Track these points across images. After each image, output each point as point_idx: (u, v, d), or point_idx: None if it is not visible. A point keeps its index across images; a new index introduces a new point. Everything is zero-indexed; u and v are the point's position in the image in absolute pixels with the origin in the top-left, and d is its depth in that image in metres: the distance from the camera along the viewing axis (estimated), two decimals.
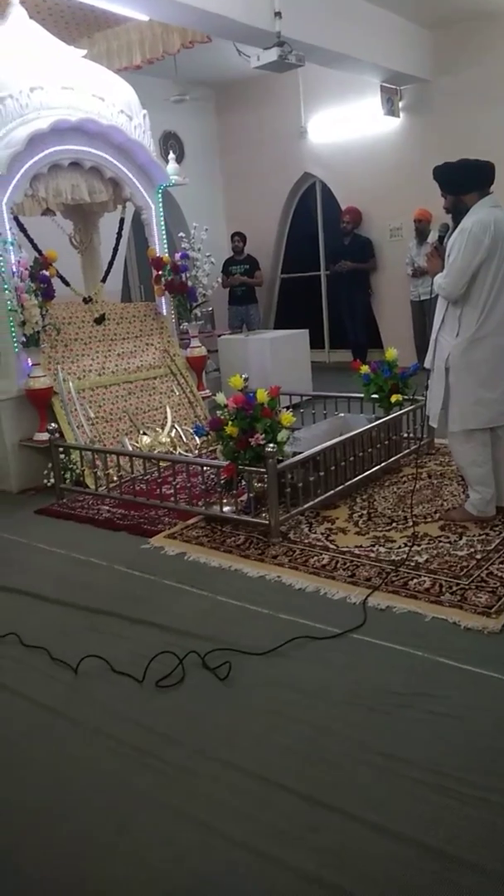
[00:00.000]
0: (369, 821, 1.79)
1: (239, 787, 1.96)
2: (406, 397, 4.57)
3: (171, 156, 5.84)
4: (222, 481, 3.82)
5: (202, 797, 1.93)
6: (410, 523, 3.63)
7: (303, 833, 1.78)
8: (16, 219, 4.75)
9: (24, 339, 4.62)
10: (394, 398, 4.51)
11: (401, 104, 8.14)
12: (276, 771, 1.99)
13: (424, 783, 1.90)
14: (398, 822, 1.78)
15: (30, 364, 4.70)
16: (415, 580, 3.03)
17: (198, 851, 1.76)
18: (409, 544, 3.37)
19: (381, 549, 3.36)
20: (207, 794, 1.94)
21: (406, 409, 4.61)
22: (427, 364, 3.52)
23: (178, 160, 6.57)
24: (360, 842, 1.73)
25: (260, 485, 3.69)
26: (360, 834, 1.76)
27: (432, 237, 3.59)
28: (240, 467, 3.63)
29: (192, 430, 5.00)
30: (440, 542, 3.39)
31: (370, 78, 7.61)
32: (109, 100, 5.18)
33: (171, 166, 5.66)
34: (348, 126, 8.56)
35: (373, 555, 3.31)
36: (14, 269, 4.54)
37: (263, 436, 3.53)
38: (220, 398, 3.74)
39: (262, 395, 3.64)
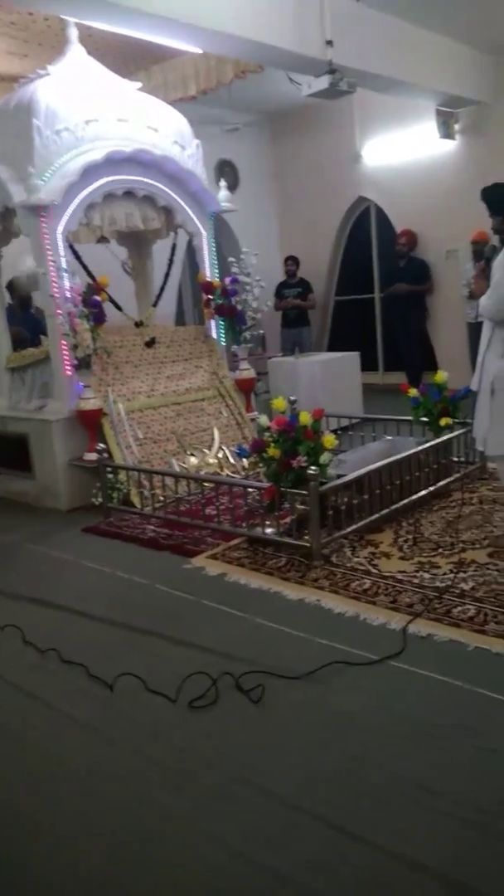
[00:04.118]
0: (401, 854, 1.73)
1: (269, 812, 1.92)
2: (456, 420, 4.48)
3: (223, 183, 5.94)
4: (265, 503, 3.81)
5: (232, 821, 1.91)
6: (457, 549, 3.54)
7: (333, 863, 1.73)
8: (70, 246, 4.90)
9: (76, 362, 4.75)
10: (443, 421, 4.43)
11: (457, 127, 8.09)
12: (308, 798, 1.96)
13: (461, 819, 1.83)
14: (431, 857, 1.72)
15: (81, 386, 4.81)
16: (458, 608, 2.94)
17: (225, 875, 1.73)
18: (455, 571, 3.28)
19: (426, 576, 3.28)
20: (237, 818, 1.91)
21: (456, 433, 4.52)
22: (473, 386, 3.45)
23: (233, 187, 6.69)
24: (391, 875, 1.69)
25: (302, 507, 3.67)
26: (391, 867, 1.71)
27: None
28: (282, 489, 3.62)
29: (236, 452, 5.02)
30: (487, 569, 3.29)
31: (425, 102, 7.60)
32: (163, 131, 5.32)
33: (223, 193, 5.75)
34: (403, 149, 8.55)
35: (416, 581, 3.24)
36: (68, 295, 4.68)
37: (305, 458, 3.52)
38: (263, 420, 3.75)
39: (305, 418, 3.63)
